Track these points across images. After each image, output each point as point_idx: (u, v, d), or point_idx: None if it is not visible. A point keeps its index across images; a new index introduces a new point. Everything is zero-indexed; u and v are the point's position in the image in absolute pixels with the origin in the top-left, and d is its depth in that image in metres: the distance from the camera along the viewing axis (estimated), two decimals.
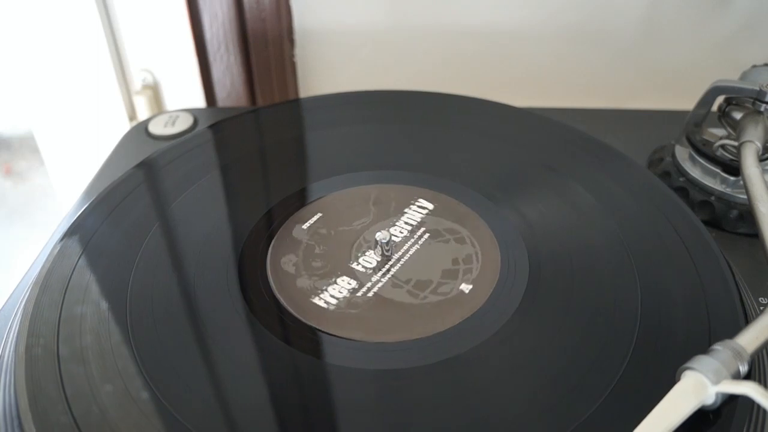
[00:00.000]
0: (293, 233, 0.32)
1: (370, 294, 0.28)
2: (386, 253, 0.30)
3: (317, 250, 0.31)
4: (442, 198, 0.34)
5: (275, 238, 0.32)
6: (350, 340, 0.26)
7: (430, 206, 0.33)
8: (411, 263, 0.30)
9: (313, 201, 0.34)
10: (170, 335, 0.26)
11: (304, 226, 0.32)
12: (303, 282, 0.29)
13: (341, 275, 0.30)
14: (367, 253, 0.31)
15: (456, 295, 0.28)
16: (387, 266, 0.30)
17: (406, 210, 0.33)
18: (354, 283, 0.29)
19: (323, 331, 0.26)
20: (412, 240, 0.32)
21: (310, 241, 0.31)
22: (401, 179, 0.36)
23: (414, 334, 0.26)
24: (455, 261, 0.30)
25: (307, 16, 0.55)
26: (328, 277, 0.29)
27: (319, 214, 0.33)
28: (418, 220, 0.33)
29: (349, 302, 0.28)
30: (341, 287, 0.29)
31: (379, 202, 0.34)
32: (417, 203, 0.34)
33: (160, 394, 0.23)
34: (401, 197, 0.34)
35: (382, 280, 0.29)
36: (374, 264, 0.30)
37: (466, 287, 0.28)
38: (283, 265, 0.30)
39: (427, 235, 0.32)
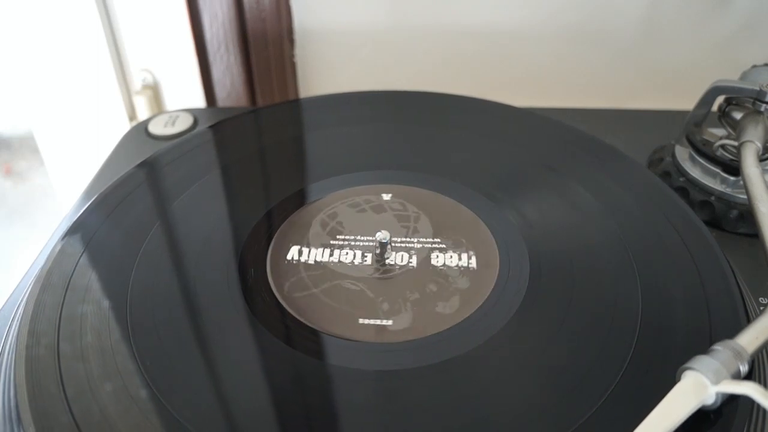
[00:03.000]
0: (360, 199, 0.34)
1: (331, 266, 0.30)
2: (384, 253, 0.30)
3: (356, 217, 0.33)
4: (491, 254, 0.31)
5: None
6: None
7: (474, 264, 0.30)
8: (391, 274, 0.30)
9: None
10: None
11: (387, 197, 0.34)
12: (315, 230, 0.32)
13: (340, 245, 0.31)
14: (373, 243, 0.31)
15: (379, 324, 0.27)
16: (369, 263, 0.30)
17: (455, 249, 0.31)
18: (329, 254, 0.31)
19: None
20: (417, 262, 0.30)
21: (361, 207, 0.33)
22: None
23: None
24: (416, 302, 0.28)
25: (307, 16, 0.55)
26: (332, 237, 0.32)
27: (390, 194, 0.35)
28: (449, 263, 0.30)
29: (306, 266, 0.30)
30: (320, 252, 0.31)
31: (444, 222, 0.33)
32: (466, 252, 0.31)
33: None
34: (468, 232, 0.32)
35: (364, 265, 0.30)
36: (368, 256, 0.31)
37: (385, 323, 0.27)
38: (308, 231, 0.32)
39: (432, 268, 0.30)
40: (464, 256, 0.30)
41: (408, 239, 0.32)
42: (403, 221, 0.33)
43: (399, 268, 0.30)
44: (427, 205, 0.34)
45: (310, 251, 0.31)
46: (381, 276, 0.29)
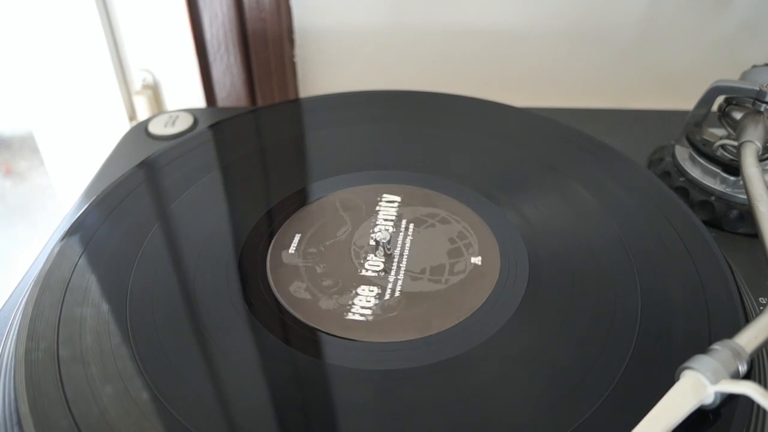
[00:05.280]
0: (284, 260, 0.30)
1: (397, 294, 0.28)
2: (388, 252, 0.30)
3: (319, 270, 0.30)
4: (405, 188, 0.35)
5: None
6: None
7: (398, 198, 0.34)
8: (414, 254, 0.30)
9: (287, 221, 0.33)
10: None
11: (291, 251, 0.31)
12: (326, 304, 0.28)
13: (358, 285, 0.29)
14: (368, 258, 0.31)
15: (472, 269, 0.29)
16: (395, 264, 0.30)
17: (377, 208, 0.34)
18: (376, 289, 0.29)
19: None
20: (401, 234, 0.32)
21: (306, 263, 0.30)
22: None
23: (439, 325, 0.27)
24: (452, 240, 0.31)
25: (307, 16, 0.55)
26: (347, 291, 0.29)
27: (299, 235, 0.32)
28: (395, 214, 0.33)
29: (383, 307, 0.28)
30: (367, 296, 0.28)
31: (348, 207, 0.34)
32: (384, 199, 0.34)
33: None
34: (366, 197, 0.34)
35: (399, 277, 0.29)
36: (381, 266, 0.30)
37: (476, 260, 0.29)
38: (293, 286, 0.29)
39: (411, 225, 0.32)
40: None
41: (397, 234, 0.32)
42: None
43: (406, 261, 0.30)
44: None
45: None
46: (395, 273, 0.29)
